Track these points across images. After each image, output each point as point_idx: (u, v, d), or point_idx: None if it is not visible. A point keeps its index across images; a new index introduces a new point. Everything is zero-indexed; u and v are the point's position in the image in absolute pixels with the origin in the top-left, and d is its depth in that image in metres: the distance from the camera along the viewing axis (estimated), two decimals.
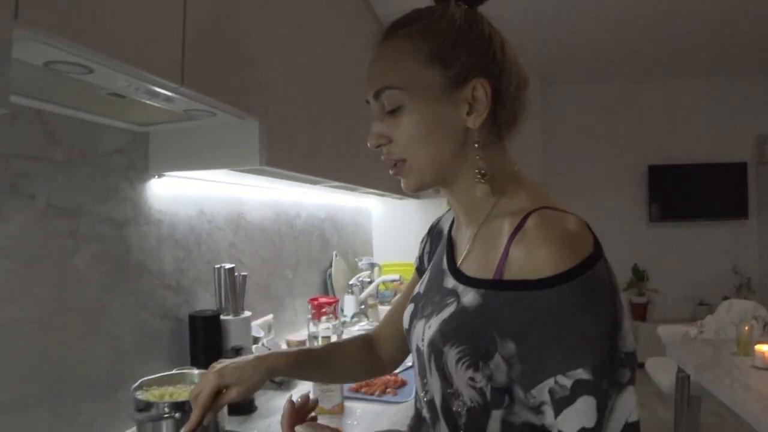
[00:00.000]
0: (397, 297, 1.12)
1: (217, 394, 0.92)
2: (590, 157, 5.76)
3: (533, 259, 0.70)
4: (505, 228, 0.76)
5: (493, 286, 0.75)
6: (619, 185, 5.80)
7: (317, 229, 2.90)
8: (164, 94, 1.09)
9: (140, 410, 1.23)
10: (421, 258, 1.08)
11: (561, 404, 0.68)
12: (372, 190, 2.77)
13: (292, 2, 1.67)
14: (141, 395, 1.26)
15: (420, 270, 1.07)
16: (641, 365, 4.14)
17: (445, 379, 0.79)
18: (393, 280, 3.26)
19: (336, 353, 1.10)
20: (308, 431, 0.75)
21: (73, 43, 0.80)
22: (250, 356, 0.97)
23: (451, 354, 0.76)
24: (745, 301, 3.80)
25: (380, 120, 0.83)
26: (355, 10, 2.51)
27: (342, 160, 2.15)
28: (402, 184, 0.86)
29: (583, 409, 0.67)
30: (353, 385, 1.71)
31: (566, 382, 0.67)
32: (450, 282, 0.84)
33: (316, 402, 0.90)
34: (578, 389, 0.67)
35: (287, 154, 1.57)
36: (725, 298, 5.05)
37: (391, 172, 0.85)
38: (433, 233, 1.05)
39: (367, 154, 2.51)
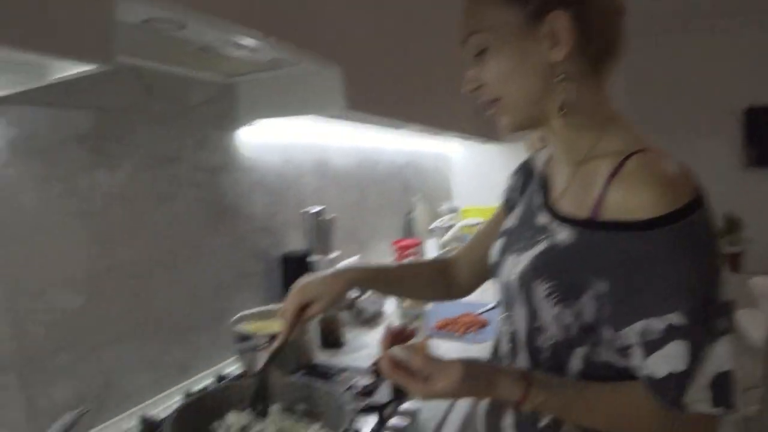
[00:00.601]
0: (480, 227, 1.14)
1: (303, 310, 0.99)
2: (680, 98, 5.43)
3: (632, 200, 0.69)
4: (604, 168, 0.75)
5: (589, 225, 0.75)
6: (712, 128, 5.43)
7: (399, 174, 2.94)
8: (250, 46, 1.15)
9: (240, 341, 1.35)
10: (509, 192, 1.08)
11: (651, 347, 0.69)
12: (454, 134, 2.77)
13: None
14: (241, 328, 1.37)
15: (508, 204, 1.07)
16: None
17: (532, 313, 0.81)
18: (474, 224, 3.28)
19: (412, 272, 1.15)
20: (402, 352, 0.80)
21: (168, 1, 0.86)
22: (329, 271, 1.03)
23: (541, 289, 0.79)
24: None
25: (472, 65, 0.85)
26: None
27: (424, 103, 2.17)
28: (500, 125, 0.87)
29: (674, 354, 0.67)
30: (438, 324, 1.77)
31: (659, 325, 0.67)
32: (543, 218, 0.85)
33: (412, 331, 0.95)
34: (671, 333, 0.67)
35: (369, 99, 1.60)
36: None
37: (488, 114, 0.87)
38: (525, 169, 1.04)
39: (448, 98, 2.52)
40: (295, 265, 1.71)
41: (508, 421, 0.89)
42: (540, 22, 0.77)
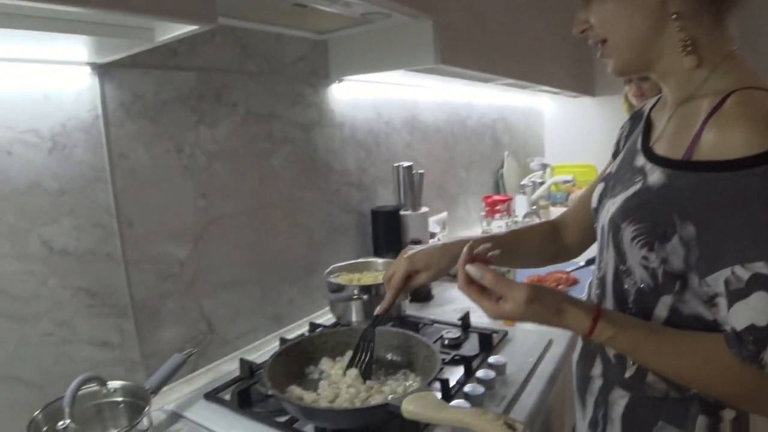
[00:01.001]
0: (592, 182, 1.11)
1: (408, 278, 1.02)
2: None
3: (726, 139, 0.65)
4: (704, 108, 0.71)
5: (680, 166, 0.72)
6: None
7: (489, 129, 2.90)
8: (343, 0, 1.16)
9: (333, 292, 1.40)
10: (618, 143, 1.05)
11: (734, 296, 0.65)
12: (545, 88, 2.69)
13: None
14: (334, 279, 1.43)
15: (615, 152, 1.05)
16: None
17: (620, 256, 0.80)
18: (565, 182, 3.20)
19: (520, 240, 1.13)
20: (476, 270, 0.81)
21: None
22: (438, 243, 1.05)
23: (628, 231, 0.77)
24: None
25: (581, 7, 0.83)
26: None
27: (515, 57, 2.11)
28: (608, 68, 0.84)
29: (757, 306, 0.63)
30: (526, 281, 1.76)
31: (744, 273, 0.63)
32: (640, 161, 0.82)
33: (492, 257, 0.94)
34: (755, 283, 0.62)
35: (461, 52, 1.58)
36: None
37: (598, 55, 0.85)
38: (636, 115, 1.00)
39: (541, 51, 2.44)
40: (384, 220, 1.74)
41: (597, 370, 0.89)
42: None
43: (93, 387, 0.96)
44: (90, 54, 0.99)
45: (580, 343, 0.98)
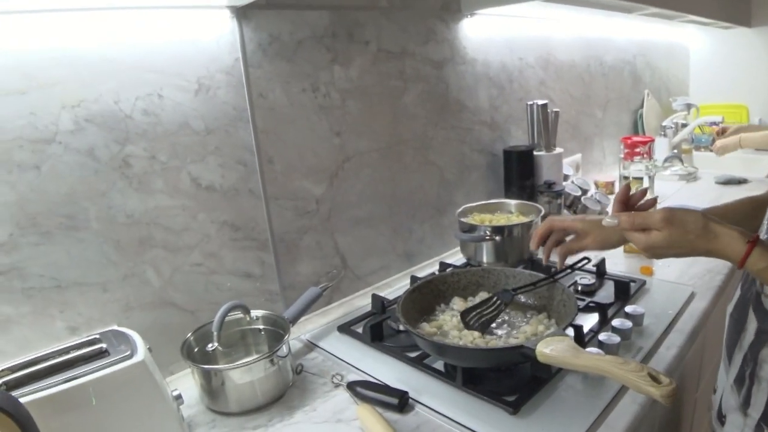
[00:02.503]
0: None
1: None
2: None
3: None
4: None
5: None
6: None
7: (628, 65, 2.70)
8: None
9: (465, 232, 1.38)
10: None
11: None
12: (694, 17, 2.44)
13: None
14: (465, 219, 1.41)
15: None
16: None
17: None
18: (712, 123, 2.92)
19: (740, 214, 0.98)
20: (612, 218, 0.78)
21: None
22: None
23: None
24: None
25: None
26: None
27: None
28: None
29: None
30: None
31: None
32: None
33: (650, 200, 0.89)
34: None
35: None
36: None
37: None
38: None
39: None
40: (517, 160, 1.68)
41: (750, 324, 0.82)
42: None
43: (238, 314, 1.03)
44: None
45: (737, 294, 0.90)
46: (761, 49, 3.15)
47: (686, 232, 0.72)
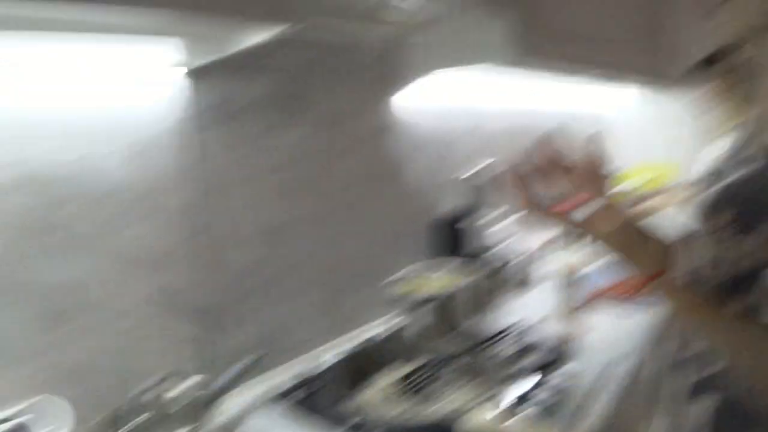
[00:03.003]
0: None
1: None
2: None
3: None
4: None
5: None
6: None
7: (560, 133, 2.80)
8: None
9: (398, 300, 1.39)
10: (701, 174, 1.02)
11: None
12: (627, 81, 2.61)
13: None
14: (397, 288, 1.41)
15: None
16: None
17: (712, 244, 0.78)
18: (640, 185, 3.07)
19: None
20: None
21: None
22: None
23: (723, 217, 0.76)
24: None
25: None
26: None
27: (600, 47, 2.03)
28: (716, 29, 0.86)
29: None
30: (598, 290, 1.70)
31: None
32: (748, 151, 0.81)
33: None
34: None
35: (542, 46, 1.53)
36: None
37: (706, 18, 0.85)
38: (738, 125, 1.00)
39: (621, 46, 2.34)
40: (449, 229, 1.72)
41: (680, 371, 0.86)
42: None
43: (168, 384, 0.99)
44: (178, 58, 1.02)
45: (666, 349, 0.94)
46: (683, 113, 3.31)
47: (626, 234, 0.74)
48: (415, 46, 1.58)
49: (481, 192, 1.78)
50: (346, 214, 1.48)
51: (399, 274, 1.47)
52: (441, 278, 1.50)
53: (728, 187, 0.77)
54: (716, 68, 2.41)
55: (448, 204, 1.86)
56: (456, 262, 1.65)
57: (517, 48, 1.38)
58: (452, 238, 1.73)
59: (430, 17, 1.37)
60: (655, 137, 3.58)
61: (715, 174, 0.86)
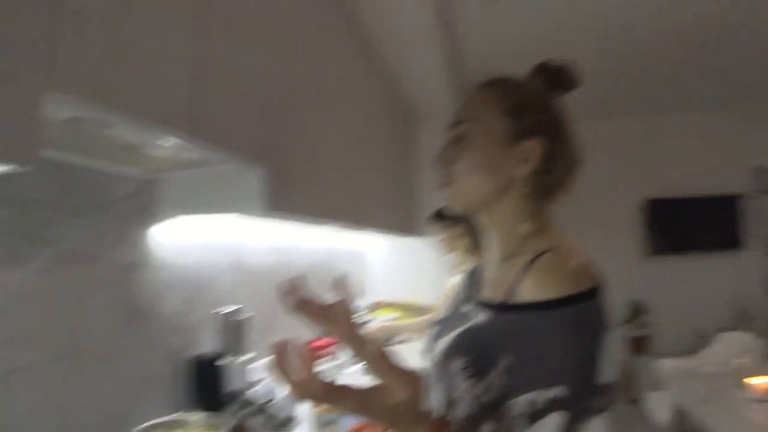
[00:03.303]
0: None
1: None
2: (585, 191, 5.72)
3: (537, 286, 0.79)
4: (522, 262, 0.85)
5: (500, 308, 0.85)
6: (615, 219, 5.80)
7: (315, 271, 2.93)
8: (176, 144, 1.15)
9: None
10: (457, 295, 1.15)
11: (535, 417, 0.75)
12: (373, 229, 2.82)
13: (301, 54, 1.75)
14: None
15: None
16: (637, 401, 4.15)
17: (449, 387, 0.87)
18: (389, 321, 3.27)
19: None
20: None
21: (96, 102, 0.85)
22: None
23: (456, 365, 0.86)
24: (743, 333, 3.82)
25: (449, 147, 0.96)
26: (364, 66, 2.60)
27: (343, 203, 2.21)
28: (446, 202, 0.97)
29: (552, 425, 0.74)
30: (352, 428, 1.72)
31: (544, 396, 0.75)
32: (467, 306, 0.95)
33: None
34: (553, 405, 0.74)
35: (292, 200, 1.62)
36: (724, 329, 5.05)
37: (441, 189, 0.97)
38: (467, 275, 1.12)
39: (367, 197, 2.57)
40: (204, 369, 1.63)
41: None
42: (520, 141, 0.91)
43: None
44: None
45: None
46: (424, 254, 3.70)
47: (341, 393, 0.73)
48: (170, 188, 1.56)
49: (239, 330, 1.75)
50: (94, 356, 1.33)
51: (149, 424, 1.34)
52: (197, 424, 1.40)
53: (461, 336, 0.89)
54: (445, 222, 2.86)
55: (205, 342, 1.79)
56: (207, 413, 1.55)
57: (266, 201, 1.44)
58: (210, 377, 1.64)
59: (186, 163, 1.38)
60: (403, 275, 3.94)
61: (448, 319, 1.00)
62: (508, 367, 0.79)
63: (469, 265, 2.71)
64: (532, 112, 0.93)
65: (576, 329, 0.76)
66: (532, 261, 0.83)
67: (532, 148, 0.91)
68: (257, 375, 1.90)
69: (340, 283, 0.92)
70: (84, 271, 1.31)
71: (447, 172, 0.95)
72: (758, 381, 2.63)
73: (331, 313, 0.83)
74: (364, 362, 0.78)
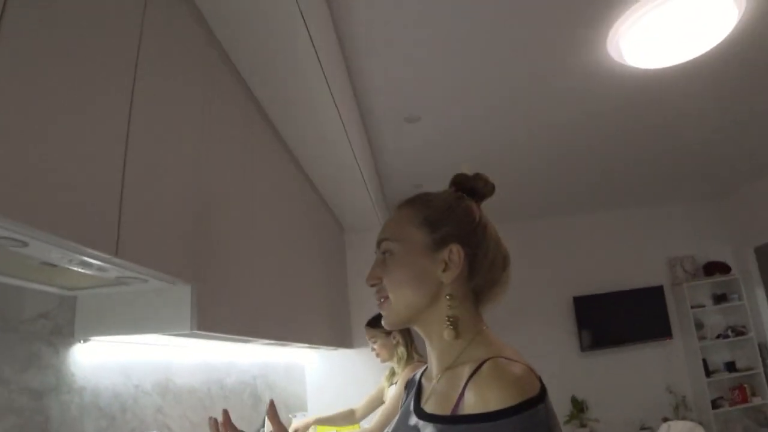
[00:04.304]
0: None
1: None
2: (517, 291, 5.88)
3: (483, 397, 0.80)
4: (465, 373, 0.87)
5: (448, 420, 0.85)
6: (548, 318, 5.95)
7: (248, 386, 2.82)
8: (97, 264, 1.12)
9: None
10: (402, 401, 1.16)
11: None
12: (306, 345, 2.76)
13: (231, 168, 1.77)
14: None
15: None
16: None
17: None
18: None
19: None
20: None
21: (9, 221, 0.83)
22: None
23: None
24: (683, 422, 3.85)
25: (378, 265, 1.01)
26: (295, 180, 2.65)
27: (275, 318, 2.17)
28: (383, 319, 1.01)
29: None
30: None
31: None
32: (413, 420, 0.95)
33: None
34: None
35: (219, 318, 1.58)
36: (665, 419, 5.10)
37: (377, 305, 1.01)
38: (409, 385, 1.14)
39: (302, 310, 2.54)
40: None
41: None
42: (441, 248, 0.97)
43: None
44: None
45: None
46: (362, 365, 3.67)
47: None
48: (91, 306, 1.50)
49: None
50: None
51: None
52: None
53: None
54: (379, 331, 2.92)
55: None
56: None
57: (194, 320, 1.42)
58: None
59: (107, 280, 1.33)
60: (341, 387, 3.86)
61: None
62: None
63: (405, 374, 2.72)
64: (446, 220, 0.99)
65: None
66: (475, 371, 0.85)
67: (454, 254, 0.96)
68: None
69: (270, 408, 1.14)
70: None
71: (379, 290, 1.00)
72: None
73: None
74: None
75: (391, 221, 1.05)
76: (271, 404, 1.19)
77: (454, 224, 0.99)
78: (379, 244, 1.03)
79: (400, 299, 0.97)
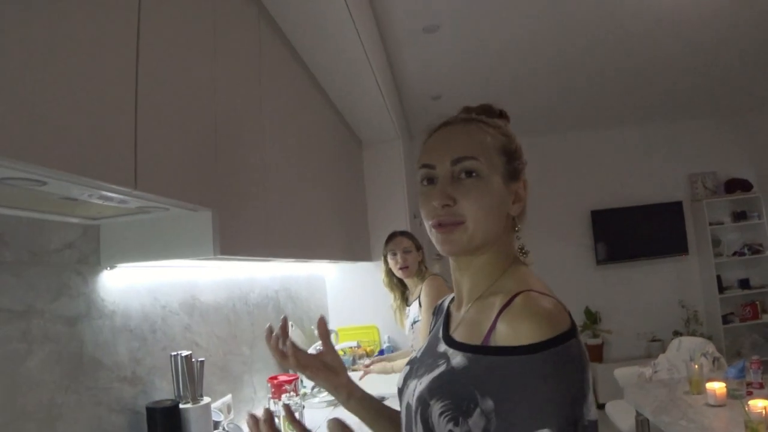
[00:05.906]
0: None
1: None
2: (535, 205, 5.90)
3: (516, 330, 0.79)
4: (497, 304, 0.86)
5: (479, 351, 0.85)
6: (566, 231, 5.98)
7: (271, 300, 2.89)
8: (118, 198, 1.12)
9: None
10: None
11: None
12: (326, 260, 2.81)
13: (244, 87, 1.73)
14: None
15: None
16: (602, 407, 4.23)
17: (428, 430, 0.86)
18: (351, 347, 3.26)
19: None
20: None
21: (27, 164, 0.82)
22: None
23: (436, 407, 0.85)
24: (694, 338, 3.93)
25: (451, 184, 0.92)
26: (310, 94, 2.59)
27: (296, 237, 2.19)
28: (444, 245, 0.93)
29: None
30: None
31: None
32: (442, 347, 0.95)
33: None
34: None
35: (241, 241, 1.59)
36: (675, 332, 5.22)
37: (438, 231, 0.93)
38: (437, 310, 1.14)
39: (321, 227, 2.55)
40: (162, 417, 1.57)
41: None
42: (515, 181, 0.96)
43: None
44: None
45: None
46: (379, 277, 3.75)
47: None
48: (113, 235, 1.52)
49: (196, 372, 1.70)
50: (36, 419, 1.26)
51: None
52: None
53: (439, 379, 0.88)
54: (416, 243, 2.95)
55: (162, 388, 1.73)
56: None
57: (216, 244, 1.42)
58: (170, 425, 1.58)
59: (129, 210, 1.33)
60: (361, 299, 3.96)
61: (422, 358, 1.00)
62: (490, 410, 0.79)
63: (427, 288, 2.72)
64: (518, 152, 0.98)
65: (559, 372, 0.76)
66: (508, 302, 0.84)
67: (523, 188, 0.97)
68: (216, 416, 1.85)
69: (321, 326, 1.16)
70: (19, 329, 1.25)
71: (451, 213, 0.91)
72: (713, 386, 2.70)
73: (319, 363, 1.10)
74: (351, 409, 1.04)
75: (463, 137, 0.95)
76: (321, 319, 1.18)
77: (521, 157, 0.98)
78: (456, 161, 0.92)
79: (479, 226, 0.91)
